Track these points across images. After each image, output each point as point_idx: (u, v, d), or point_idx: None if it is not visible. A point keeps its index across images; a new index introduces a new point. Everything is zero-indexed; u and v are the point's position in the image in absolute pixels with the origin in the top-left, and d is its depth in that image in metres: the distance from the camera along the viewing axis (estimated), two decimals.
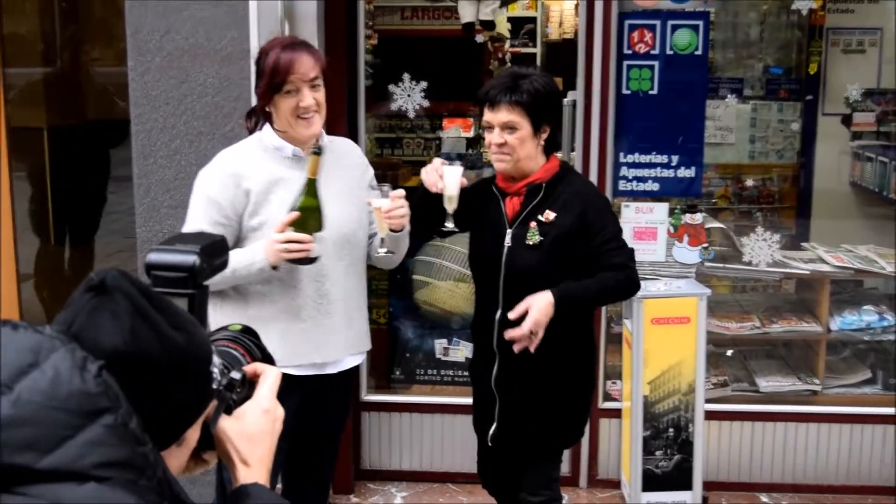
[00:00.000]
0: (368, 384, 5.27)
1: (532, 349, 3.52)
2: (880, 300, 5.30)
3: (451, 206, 3.65)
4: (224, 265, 1.94)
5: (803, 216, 5.98)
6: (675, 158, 4.93)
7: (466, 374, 5.02)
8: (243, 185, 3.57)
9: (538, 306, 3.53)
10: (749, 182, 5.99)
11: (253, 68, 3.72)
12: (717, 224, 5.33)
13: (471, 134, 5.49)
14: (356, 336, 3.80)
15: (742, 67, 6.16)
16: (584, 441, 4.94)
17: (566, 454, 4.83)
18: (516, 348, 3.58)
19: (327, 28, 4.69)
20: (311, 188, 3.49)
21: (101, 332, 1.49)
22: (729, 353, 5.35)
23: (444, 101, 5.62)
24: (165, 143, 4.31)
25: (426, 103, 5.21)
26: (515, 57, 6.41)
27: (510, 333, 3.53)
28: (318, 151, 3.50)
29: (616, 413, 4.99)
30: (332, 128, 4.53)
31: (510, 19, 6.44)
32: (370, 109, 5.42)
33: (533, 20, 6.73)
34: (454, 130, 5.60)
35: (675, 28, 4.84)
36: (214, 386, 1.67)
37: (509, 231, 3.68)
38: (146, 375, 1.51)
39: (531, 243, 3.64)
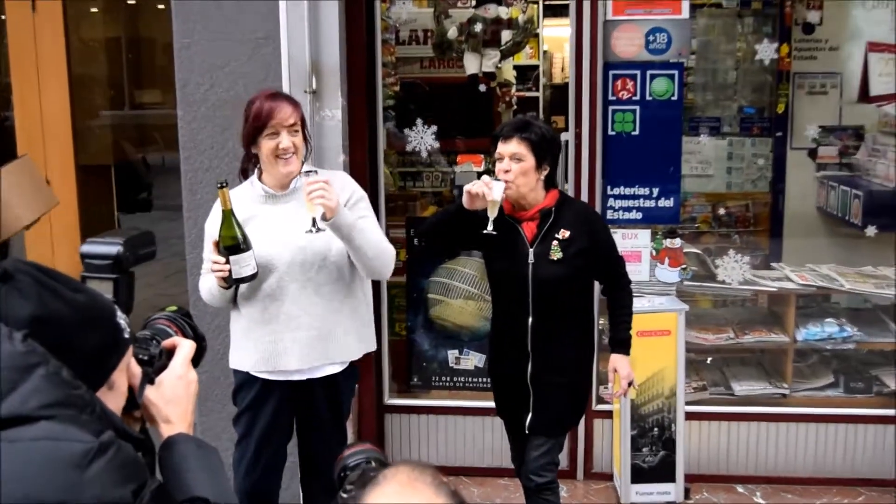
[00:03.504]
0: (391, 389, 5.27)
1: (630, 390, 4.04)
2: (841, 314, 5.27)
3: (493, 212, 3.71)
4: (151, 255, 2.01)
5: (775, 238, 5.92)
6: (655, 190, 4.92)
7: (476, 380, 5.21)
8: None
9: (624, 368, 3.99)
10: (723, 210, 5.93)
11: None
12: (693, 249, 5.30)
13: (481, 168, 5.47)
14: (333, 348, 3.76)
15: (719, 108, 6.10)
16: (581, 438, 5.10)
17: (565, 451, 4.87)
18: (620, 393, 4.09)
19: (349, 78, 4.69)
20: (224, 217, 3.51)
21: (16, 307, 1.57)
22: (708, 360, 5.31)
23: (457, 140, 5.65)
24: (210, 181, 4.32)
25: (437, 144, 5.21)
26: (521, 101, 6.40)
27: (619, 393, 4.11)
28: (222, 185, 3.50)
29: (608, 414, 5.00)
30: (354, 162, 4.75)
31: (516, 67, 6.45)
32: (393, 146, 5.45)
33: (536, 67, 6.74)
34: (467, 165, 5.59)
35: (653, 77, 4.83)
36: (126, 336, 1.72)
37: (531, 250, 3.78)
38: (60, 331, 1.59)
39: (554, 258, 3.76)
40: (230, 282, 3.55)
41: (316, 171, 3.60)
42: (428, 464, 1.60)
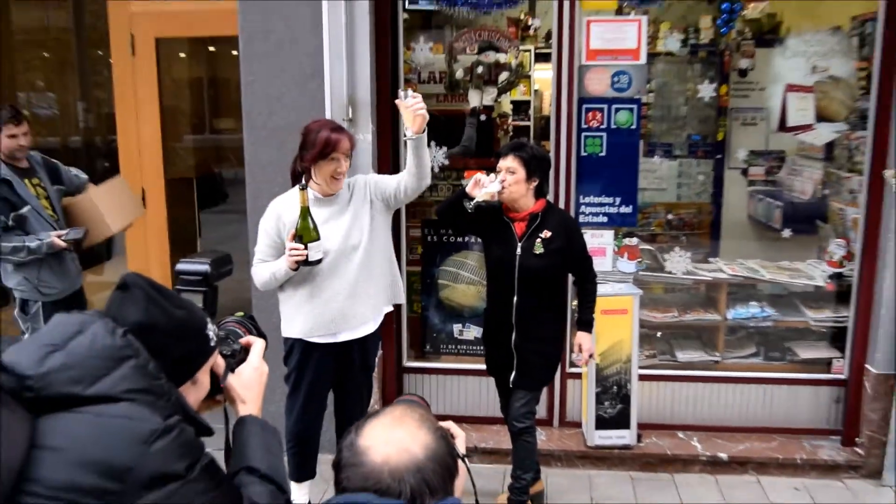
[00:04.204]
0: (408, 355, 5.22)
1: (592, 360, 4.27)
2: (763, 298, 5.23)
3: (483, 197, 3.72)
4: (229, 272, 2.01)
5: (714, 238, 5.84)
6: (617, 200, 4.86)
7: (475, 348, 5.15)
8: (282, 219, 3.65)
9: (586, 343, 4.02)
10: (673, 216, 5.85)
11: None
12: (647, 246, 5.24)
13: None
14: (361, 315, 3.77)
15: (672, 135, 6.00)
16: (556, 395, 5.03)
17: (545, 403, 4.95)
18: (582, 362, 4.25)
19: (378, 109, 4.64)
20: (303, 213, 3.50)
21: (126, 313, 1.60)
22: (658, 335, 5.27)
23: (465, 158, 5.53)
24: (269, 191, 4.27)
25: (447, 162, 5.15)
26: (516, 128, 6.33)
27: (582, 362, 4.28)
28: (303, 188, 3.48)
29: (578, 376, 4.96)
30: (381, 173, 4.58)
31: (512, 102, 6.38)
32: None
33: (528, 102, 6.66)
34: (472, 179, 5.59)
35: (617, 109, 4.76)
36: (212, 344, 1.73)
37: (519, 244, 3.82)
38: (158, 338, 1.59)
39: (537, 252, 3.82)
40: (302, 264, 3.52)
41: (410, 91, 3.60)
42: (422, 404, 1.61)
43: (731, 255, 5.41)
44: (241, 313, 2.03)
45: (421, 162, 3.66)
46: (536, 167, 3.83)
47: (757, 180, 5.70)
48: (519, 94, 6.45)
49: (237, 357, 1.91)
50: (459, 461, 1.49)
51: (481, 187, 3.72)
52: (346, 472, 1.42)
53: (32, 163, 4.60)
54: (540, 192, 3.91)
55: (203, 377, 1.72)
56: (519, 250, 3.83)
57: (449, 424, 1.56)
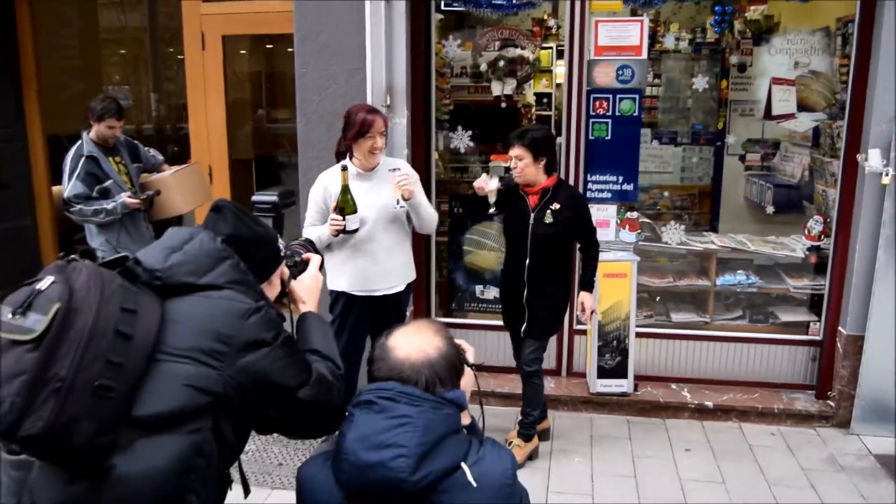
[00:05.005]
0: (437, 311, 5.56)
1: (594, 316, 4.29)
2: (748, 267, 5.48)
3: (492, 197, 4.18)
4: (292, 203, 2.37)
5: (714, 217, 6.14)
6: (620, 178, 5.14)
7: (495, 306, 5.38)
8: (328, 190, 4.06)
9: (588, 301, 4.30)
10: (677, 196, 6.16)
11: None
12: (646, 220, 5.49)
13: (508, 164, 5.68)
14: (396, 274, 4.18)
15: (678, 125, 6.31)
16: (565, 348, 5.34)
17: (554, 355, 5.29)
18: (585, 318, 4.38)
19: (412, 97, 5.01)
20: (344, 189, 3.88)
21: (220, 227, 1.88)
22: (657, 299, 5.54)
23: (493, 144, 5.84)
24: (317, 167, 4.57)
25: (472, 144, 5.49)
26: (539, 117, 6.46)
27: (585, 318, 4.39)
28: (345, 168, 3.88)
29: (584, 332, 5.31)
30: (415, 156, 5.00)
31: (536, 94, 6.51)
32: (446, 146, 5.68)
33: (550, 94, 6.85)
34: (497, 162, 5.74)
35: (621, 99, 5.03)
36: (282, 254, 1.99)
37: (532, 215, 4.17)
38: (245, 245, 1.86)
39: (547, 222, 4.16)
40: (341, 232, 3.95)
41: (399, 169, 4.05)
42: (442, 324, 1.82)
43: (731, 231, 5.70)
44: (304, 238, 2.33)
45: (421, 220, 4.14)
46: (541, 148, 4.17)
47: (753, 166, 6.02)
48: (542, 86, 6.71)
49: (299, 267, 2.15)
50: (466, 366, 1.74)
51: (488, 189, 4.20)
52: (377, 364, 1.67)
53: (116, 143, 5.16)
54: (551, 168, 4.24)
55: (276, 279, 1.99)
56: (532, 220, 4.19)
57: (461, 341, 1.80)
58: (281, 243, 2.00)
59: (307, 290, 2.12)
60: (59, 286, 1.52)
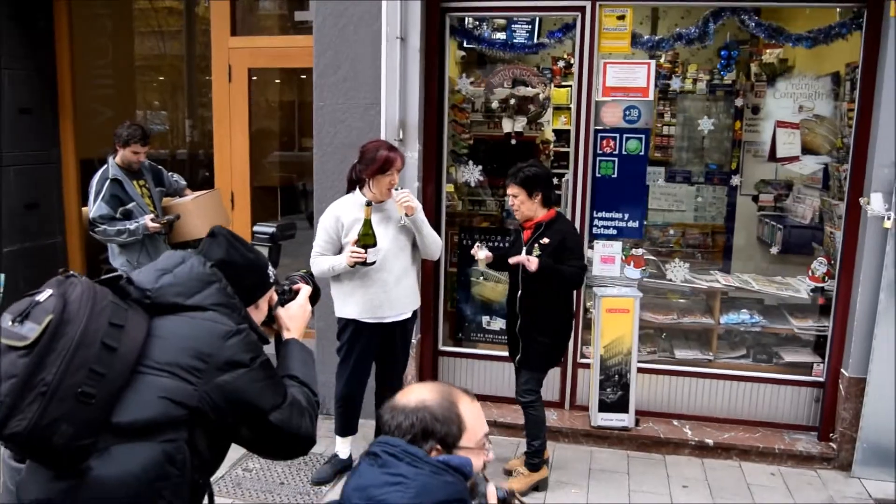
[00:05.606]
0: (444, 340, 5.59)
1: (535, 267, 4.10)
2: (752, 305, 5.50)
3: (482, 266, 4.36)
4: (291, 236, 2.42)
5: (727, 257, 6.13)
6: (626, 215, 5.19)
7: (501, 337, 5.45)
8: (340, 220, 4.16)
9: (533, 263, 4.16)
10: (688, 235, 6.14)
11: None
12: (651, 257, 5.54)
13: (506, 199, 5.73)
14: (404, 302, 4.28)
15: (692, 164, 6.34)
16: (568, 382, 5.36)
17: (558, 387, 5.32)
18: (513, 260, 4.24)
19: (424, 132, 5.13)
20: (366, 224, 3.99)
21: (213, 252, 1.97)
22: (663, 335, 5.56)
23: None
24: (332, 197, 4.60)
25: (482, 178, 5.58)
26: (556, 153, 6.50)
27: (513, 259, 4.24)
28: (369, 204, 3.99)
29: (587, 366, 5.32)
30: (425, 189, 5.10)
31: (554, 130, 6.58)
32: (464, 180, 5.75)
33: (568, 131, 6.93)
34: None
35: (627, 139, 5.09)
36: (271, 281, 2.05)
37: (524, 248, 4.26)
38: (235, 270, 1.95)
39: (535, 256, 4.22)
40: (360, 265, 4.04)
41: (400, 188, 4.19)
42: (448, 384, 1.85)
43: (736, 269, 5.72)
44: (305, 270, 2.40)
45: (424, 240, 4.24)
46: (535, 184, 4.24)
47: (766, 206, 6.04)
48: (560, 123, 6.78)
49: (287, 296, 2.21)
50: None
51: (478, 259, 4.38)
52: (385, 414, 1.73)
53: (141, 167, 5.36)
54: (548, 202, 4.31)
55: (263, 304, 2.07)
56: (524, 253, 4.28)
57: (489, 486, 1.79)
58: (271, 270, 2.07)
59: (292, 318, 2.19)
60: (55, 299, 1.65)
